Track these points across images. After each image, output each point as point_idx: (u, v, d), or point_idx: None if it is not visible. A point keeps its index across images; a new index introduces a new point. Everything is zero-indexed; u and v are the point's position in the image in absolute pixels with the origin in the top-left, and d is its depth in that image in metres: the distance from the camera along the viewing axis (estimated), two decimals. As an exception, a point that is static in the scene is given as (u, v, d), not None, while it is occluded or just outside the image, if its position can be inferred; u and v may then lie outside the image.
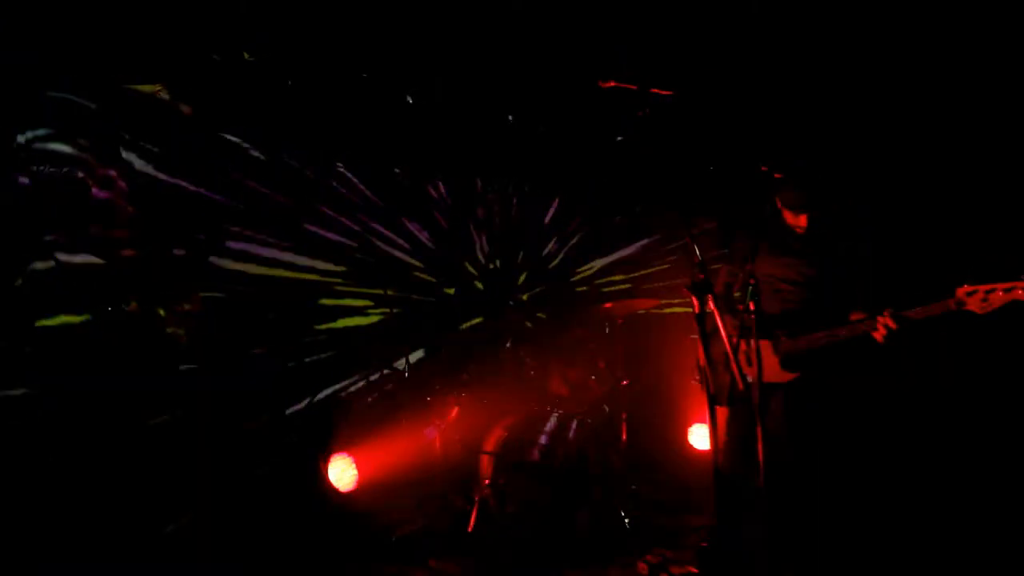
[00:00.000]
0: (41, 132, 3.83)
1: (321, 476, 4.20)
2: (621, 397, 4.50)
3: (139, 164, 4.19)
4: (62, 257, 3.93)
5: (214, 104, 4.39)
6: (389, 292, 5.06)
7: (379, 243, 5.22)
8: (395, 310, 5.06)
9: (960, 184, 4.14)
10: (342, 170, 5.07)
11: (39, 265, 3.81)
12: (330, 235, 5.02)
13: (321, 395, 4.74)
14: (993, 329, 3.11)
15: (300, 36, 4.20)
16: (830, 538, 3.26)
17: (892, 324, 2.95)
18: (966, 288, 2.86)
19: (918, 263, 3.65)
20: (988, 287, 2.83)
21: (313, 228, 4.95)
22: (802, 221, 3.31)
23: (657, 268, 5.63)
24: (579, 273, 5.74)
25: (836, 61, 4.15)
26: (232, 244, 4.59)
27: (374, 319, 5.09)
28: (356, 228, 5.12)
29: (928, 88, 4.11)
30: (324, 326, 4.94)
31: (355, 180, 5.13)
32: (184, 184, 4.39)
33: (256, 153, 4.65)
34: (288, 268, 4.81)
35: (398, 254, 5.33)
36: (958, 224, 4.07)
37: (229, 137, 4.54)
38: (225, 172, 4.56)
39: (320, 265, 4.94)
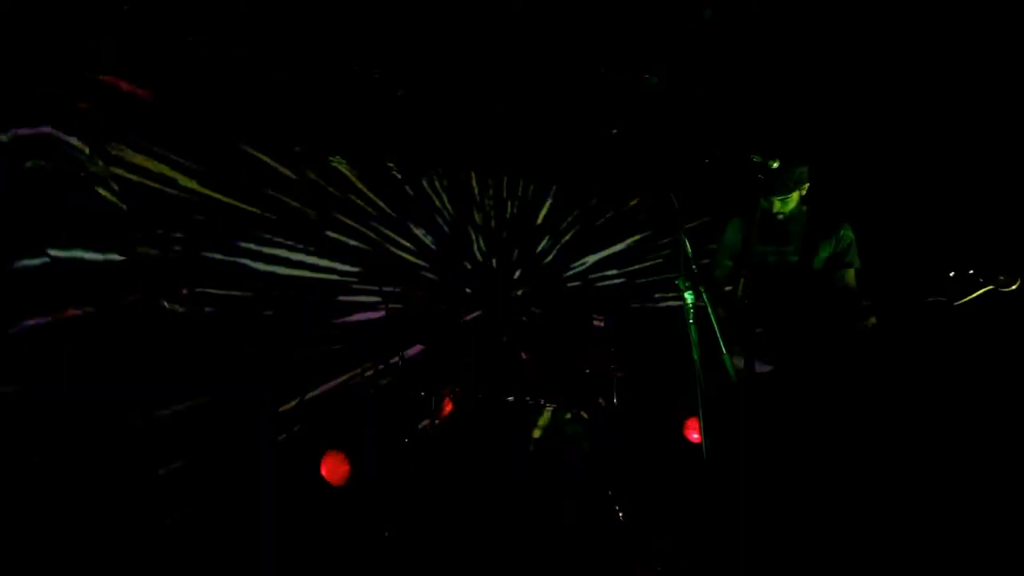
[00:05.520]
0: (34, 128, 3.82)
1: (315, 472, 4.21)
2: (615, 390, 4.49)
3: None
4: (55, 253, 3.93)
5: (199, 97, 4.38)
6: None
7: (378, 239, 5.22)
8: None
9: (936, 178, 4.15)
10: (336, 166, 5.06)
11: (31, 261, 3.81)
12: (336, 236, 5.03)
13: (315, 391, 4.74)
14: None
15: (285, 28, 4.17)
16: (820, 524, 3.27)
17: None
18: None
19: (896, 251, 3.65)
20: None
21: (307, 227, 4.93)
22: (776, 205, 3.31)
23: (650, 263, 5.64)
24: (572, 268, 5.75)
25: (818, 52, 4.15)
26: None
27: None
28: (356, 225, 5.12)
29: (909, 83, 4.12)
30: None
31: (351, 177, 5.12)
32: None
33: (248, 148, 4.64)
34: (287, 265, 4.82)
35: (397, 250, 5.32)
36: (934, 213, 4.08)
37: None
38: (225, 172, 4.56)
39: (319, 261, 4.95)
